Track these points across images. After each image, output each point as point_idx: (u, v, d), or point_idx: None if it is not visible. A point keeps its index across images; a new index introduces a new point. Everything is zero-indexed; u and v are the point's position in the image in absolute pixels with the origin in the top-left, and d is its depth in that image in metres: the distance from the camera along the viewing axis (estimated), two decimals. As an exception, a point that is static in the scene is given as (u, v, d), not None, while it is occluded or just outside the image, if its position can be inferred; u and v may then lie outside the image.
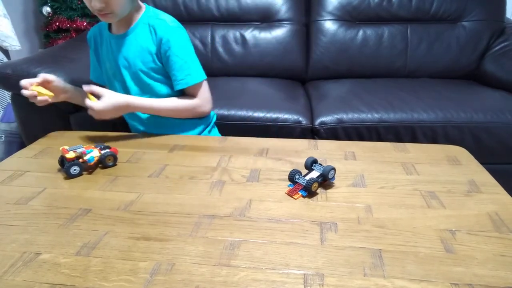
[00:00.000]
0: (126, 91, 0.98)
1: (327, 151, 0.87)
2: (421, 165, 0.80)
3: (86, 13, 2.10)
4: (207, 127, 1.07)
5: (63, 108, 1.26)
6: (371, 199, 0.68)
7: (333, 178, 0.72)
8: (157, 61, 0.95)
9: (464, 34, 1.61)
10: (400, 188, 0.72)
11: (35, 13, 2.26)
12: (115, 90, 0.97)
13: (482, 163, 0.81)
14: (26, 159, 0.84)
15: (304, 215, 0.63)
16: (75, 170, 0.75)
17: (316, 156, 0.78)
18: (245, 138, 0.97)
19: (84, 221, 0.61)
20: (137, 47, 0.94)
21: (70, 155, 0.75)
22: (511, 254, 0.54)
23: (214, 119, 1.11)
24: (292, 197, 0.68)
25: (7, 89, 1.39)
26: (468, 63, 1.62)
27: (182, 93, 0.98)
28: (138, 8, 0.95)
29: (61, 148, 0.77)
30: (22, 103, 1.32)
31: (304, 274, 0.50)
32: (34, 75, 1.23)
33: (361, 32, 1.64)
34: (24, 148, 0.91)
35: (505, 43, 1.58)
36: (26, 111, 1.33)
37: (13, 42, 1.87)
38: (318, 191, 0.70)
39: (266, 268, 0.51)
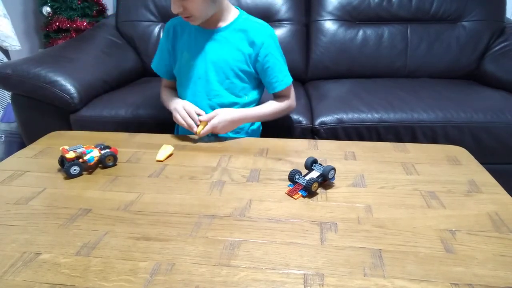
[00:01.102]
0: (208, 86, 0.99)
1: (327, 151, 0.87)
2: (421, 165, 0.80)
3: (86, 13, 2.10)
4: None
5: (63, 108, 1.26)
6: (371, 199, 0.68)
7: (333, 178, 0.72)
8: (249, 63, 0.99)
9: (464, 34, 1.61)
10: (400, 188, 0.72)
11: (35, 13, 2.26)
12: (192, 84, 1.01)
13: (482, 163, 0.81)
14: (26, 159, 0.84)
15: (304, 215, 0.63)
16: (75, 170, 0.75)
17: (316, 156, 0.78)
18: (245, 138, 0.97)
19: (84, 221, 0.61)
20: (230, 46, 0.98)
21: (70, 155, 0.75)
22: (511, 254, 0.54)
23: (261, 128, 1.15)
24: (292, 197, 0.68)
25: (7, 89, 1.39)
26: (468, 63, 1.61)
27: (258, 96, 1.06)
28: (230, 9, 0.99)
29: (61, 148, 0.77)
30: (22, 103, 1.32)
31: (304, 274, 0.50)
32: (34, 75, 1.24)
33: (361, 32, 1.63)
34: (24, 148, 0.91)
35: (505, 43, 1.58)
36: (26, 111, 1.33)
37: (13, 42, 1.87)
38: (318, 191, 0.70)
39: (266, 268, 0.51)
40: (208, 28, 0.98)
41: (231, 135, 1.00)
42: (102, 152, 0.79)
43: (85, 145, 0.79)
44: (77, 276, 0.50)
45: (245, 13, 1.01)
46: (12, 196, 0.69)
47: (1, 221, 0.62)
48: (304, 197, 0.68)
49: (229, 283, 0.49)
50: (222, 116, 0.94)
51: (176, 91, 1.08)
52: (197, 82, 1.00)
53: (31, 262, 0.52)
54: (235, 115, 0.96)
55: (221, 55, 0.98)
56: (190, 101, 1.01)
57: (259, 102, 1.07)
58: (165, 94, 1.08)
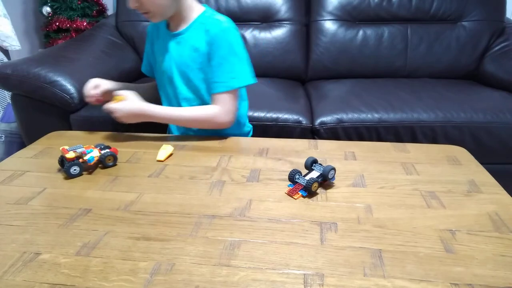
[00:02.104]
0: (175, 90, 0.98)
1: (327, 151, 0.87)
2: (421, 165, 0.80)
3: (86, 13, 2.10)
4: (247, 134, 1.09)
5: (63, 108, 1.26)
6: (371, 199, 0.68)
7: (333, 178, 0.72)
8: (206, 62, 0.93)
9: (464, 34, 1.61)
10: (400, 188, 0.72)
11: (35, 13, 2.26)
12: (164, 87, 1.01)
13: (482, 163, 0.81)
14: (26, 159, 0.84)
15: (304, 215, 0.63)
16: (75, 170, 0.75)
17: (316, 156, 0.78)
18: (245, 138, 0.97)
19: (84, 221, 0.61)
20: (190, 47, 0.93)
21: (70, 155, 0.75)
22: (511, 254, 0.54)
23: (251, 134, 1.12)
24: (292, 197, 0.68)
25: (7, 89, 1.39)
26: (468, 63, 1.62)
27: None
28: (194, 7, 0.93)
29: (61, 148, 0.77)
30: (22, 103, 1.32)
31: (304, 274, 0.50)
32: (34, 75, 1.24)
33: (361, 32, 1.64)
34: (24, 148, 0.91)
35: (505, 43, 1.58)
36: (26, 111, 1.33)
37: (13, 42, 1.87)
38: (318, 191, 0.70)
39: (266, 268, 0.51)
40: (173, 30, 0.95)
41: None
42: (102, 152, 0.79)
43: (85, 145, 0.79)
44: (77, 276, 0.50)
45: (210, 10, 0.95)
46: (12, 196, 0.69)
47: (1, 221, 0.62)
48: (304, 197, 0.68)
49: (229, 283, 0.49)
50: (126, 104, 0.89)
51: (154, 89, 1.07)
52: (167, 86, 1.00)
53: (31, 262, 0.52)
54: (136, 109, 0.89)
55: (182, 57, 0.94)
56: (165, 105, 1.02)
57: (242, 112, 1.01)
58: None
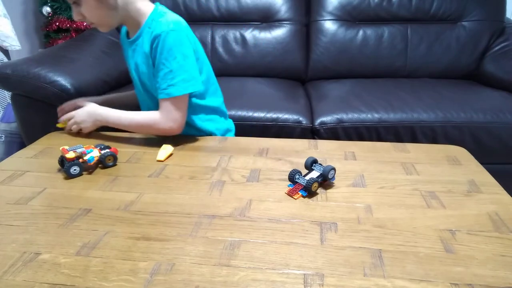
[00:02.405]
0: (142, 94, 0.99)
1: (327, 151, 0.87)
2: (421, 165, 0.80)
3: (86, 13, 2.10)
4: (225, 134, 1.06)
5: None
6: (371, 199, 0.68)
7: (333, 178, 0.72)
8: (149, 69, 0.90)
9: (464, 34, 1.61)
10: (400, 188, 0.72)
11: (35, 13, 2.26)
12: (138, 94, 1.01)
13: (482, 163, 0.81)
14: (26, 159, 0.84)
15: (304, 215, 0.63)
16: (75, 170, 0.75)
17: (316, 156, 0.78)
18: (245, 138, 0.97)
19: (84, 221, 0.61)
20: (143, 54, 0.90)
21: (70, 155, 0.75)
22: (511, 254, 0.54)
23: (233, 133, 1.08)
24: (292, 197, 0.68)
25: (7, 89, 1.39)
26: (468, 63, 1.62)
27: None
28: (142, 11, 0.88)
29: (61, 148, 0.77)
30: (22, 103, 1.32)
31: (304, 274, 0.50)
32: (34, 75, 1.24)
33: (361, 32, 1.64)
34: (24, 148, 0.91)
35: (505, 43, 1.58)
36: (26, 111, 1.33)
37: (13, 42, 1.87)
38: (318, 191, 0.70)
39: (266, 268, 0.51)
40: (130, 37, 0.93)
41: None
42: (102, 152, 0.79)
43: (85, 145, 0.79)
44: (77, 276, 0.50)
45: (158, 10, 0.89)
46: (12, 196, 0.69)
47: (1, 221, 0.62)
48: (304, 197, 0.68)
49: (229, 283, 0.49)
50: (83, 109, 0.93)
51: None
52: (138, 94, 1.02)
53: (31, 262, 0.52)
54: (91, 109, 0.93)
55: (138, 65, 0.92)
56: (143, 110, 1.01)
57: (207, 108, 0.98)
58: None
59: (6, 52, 1.90)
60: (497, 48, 1.59)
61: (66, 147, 0.77)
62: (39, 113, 1.30)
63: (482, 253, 0.54)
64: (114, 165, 0.80)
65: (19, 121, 1.37)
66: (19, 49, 1.91)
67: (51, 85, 1.22)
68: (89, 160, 0.76)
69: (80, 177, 0.76)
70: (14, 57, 1.85)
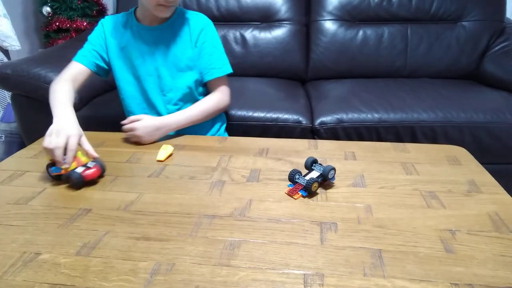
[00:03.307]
0: (156, 79, 1.00)
1: (327, 151, 0.87)
2: (421, 165, 0.80)
3: (86, 13, 2.10)
4: (223, 124, 1.12)
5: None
6: (371, 199, 0.68)
7: (333, 178, 0.72)
8: (194, 51, 0.99)
9: (464, 34, 1.61)
10: (400, 188, 0.72)
11: (35, 13, 2.26)
12: (136, 80, 1.00)
13: (482, 163, 0.81)
14: (26, 159, 0.84)
15: (304, 215, 0.63)
16: (56, 170, 0.71)
17: (316, 156, 0.78)
18: (245, 138, 0.97)
19: (84, 221, 0.61)
20: (177, 39, 0.98)
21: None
22: (511, 254, 0.54)
23: (224, 127, 1.13)
24: (292, 197, 0.68)
25: (7, 89, 1.39)
26: (468, 63, 1.62)
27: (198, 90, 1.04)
28: None
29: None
30: (22, 103, 1.32)
31: (304, 274, 0.50)
32: (34, 75, 1.24)
33: (361, 32, 1.64)
34: (24, 148, 0.91)
35: (505, 43, 1.58)
36: (26, 111, 1.33)
37: (13, 42, 1.87)
38: (318, 191, 0.70)
39: (266, 268, 0.51)
40: (151, 25, 0.98)
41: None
42: (71, 171, 0.70)
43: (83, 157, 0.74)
44: (77, 276, 0.50)
45: (179, 7, 1.01)
46: (12, 196, 0.69)
47: (1, 221, 0.62)
48: (304, 197, 0.68)
49: (229, 283, 0.49)
50: (145, 121, 0.90)
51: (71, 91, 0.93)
52: (148, 79, 1.00)
53: (31, 262, 0.52)
54: (157, 123, 0.92)
55: (170, 49, 0.98)
56: (142, 98, 1.02)
57: (206, 94, 1.04)
58: (59, 93, 0.88)
59: (6, 52, 1.90)
60: (497, 48, 1.59)
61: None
62: (39, 113, 1.29)
63: (482, 253, 0.54)
64: (77, 187, 0.70)
65: (19, 121, 1.37)
66: (19, 49, 1.91)
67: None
68: (55, 170, 0.71)
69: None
70: (14, 57, 1.85)
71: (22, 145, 1.42)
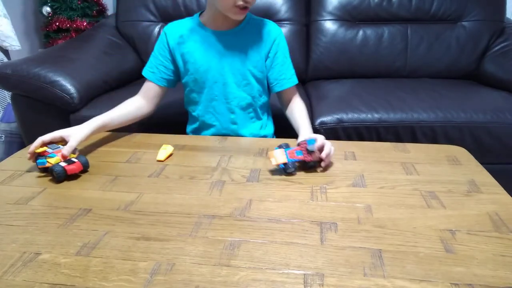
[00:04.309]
0: (221, 86, 0.98)
1: (327, 151, 0.87)
2: (421, 165, 0.80)
3: (86, 13, 2.10)
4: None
5: (63, 108, 1.26)
6: (371, 199, 0.68)
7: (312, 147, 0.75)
8: (265, 60, 0.98)
9: (464, 34, 1.61)
10: (400, 188, 0.72)
11: (35, 13, 2.26)
12: (202, 87, 0.98)
13: (482, 163, 0.81)
14: (26, 159, 0.84)
15: (304, 215, 0.63)
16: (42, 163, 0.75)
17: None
18: (245, 138, 0.97)
19: (84, 221, 0.61)
20: (246, 47, 0.96)
21: (42, 148, 0.76)
22: (511, 254, 0.54)
23: None
24: (271, 159, 0.74)
25: (7, 89, 1.39)
26: (468, 63, 1.62)
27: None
28: None
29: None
30: (22, 103, 1.32)
31: (304, 274, 0.50)
32: (34, 75, 1.24)
33: (361, 32, 1.64)
34: (24, 148, 0.91)
35: (505, 43, 1.58)
36: (26, 111, 1.33)
37: (13, 42, 1.87)
38: (318, 189, 0.70)
39: (266, 268, 0.51)
40: (220, 29, 0.96)
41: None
42: (55, 164, 0.73)
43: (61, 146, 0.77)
44: (77, 276, 0.50)
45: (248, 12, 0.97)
46: (12, 196, 0.69)
47: (1, 221, 0.62)
48: (278, 166, 0.75)
49: (229, 283, 0.49)
50: (326, 141, 0.80)
51: (120, 115, 0.95)
52: (213, 86, 0.98)
53: (31, 262, 0.52)
54: (318, 136, 0.82)
55: (237, 56, 0.96)
56: (206, 105, 1.00)
57: (265, 105, 1.06)
58: (111, 110, 0.94)
59: (6, 52, 1.91)
60: (497, 48, 1.59)
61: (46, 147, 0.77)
62: (39, 113, 1.30)
63: (482, 253, 0.54)
64: (58, 180, 0.73)
65: (19, 121, 1.37)
66: (19, 49, 1.91)
67: (51, 85, 1.22)
68: (40, 162, 0.75)
69: (80, 177, 0.76)
70: (14, 57, 1.85)
71: (22, 145, 1.42)
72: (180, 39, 0.97)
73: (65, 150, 0.76)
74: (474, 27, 1.61)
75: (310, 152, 0.76)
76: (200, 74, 0.98)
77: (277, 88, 1.01)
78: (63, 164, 0.73)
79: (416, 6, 1.63)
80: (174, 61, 0.99)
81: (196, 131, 1.05)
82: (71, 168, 0.73)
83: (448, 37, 1.61)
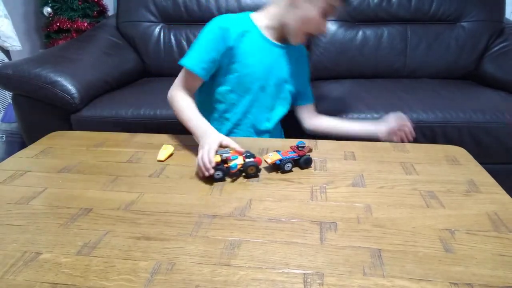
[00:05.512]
0: (264, 95, 0.98)
1: (327, 151, 0.88)
2: (420, 165, 0.81)
3: (87, 14, 2.11)
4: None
5: (64, 108, 1.26)
6: (370, 199, 0.68)
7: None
8: (299, 78, 1.04)
9: (463, 34, 1.62)
10: (400, 188, 0.72)
11: (36, 14, 2.26)
12: (246, 91, 0.96)
13: (481, 163, 0.82)
14: (27, 159, 0.85)
15: (304, 214, 0.63)
16: (218, 174, 0.73)
17: (316, 156, 0.78)
18: (245, 138, 0.97)
19: (85, 220, 0.62)
20: (294, 60, 1.00)
21: (216, 158, 0.74)
22: (510, 253, 0.54)
23: None
24: (268, 159, 0.76)
25: (8, 89, 1.39)
26: (467, 63, 1.62)
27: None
28: None
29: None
30: (23, 104, 1.32)
31: (304, 273, 0.50)
32: (35, 76, 1.24)
33: (360, 33, 1.64)
34: (25, 148, 0.91)
35: (504, 44, 1.58)
36: (27, 111, 1.33)
37: (14, 43, 1.87)
38: (318, 191, 0.70)
39: (266, 268, 0.51)
40: (275, 41, 0.97)
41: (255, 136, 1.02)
42: (246, 160, 0.75)
43: (232, 150, 0.77)
44: (77, 276, 0.50)
45: None
46: (13, 196, 0.69)
47: (2, 221, 0.62)
48: (275, 164, 0.76)
49: (229, 283, 0.49)
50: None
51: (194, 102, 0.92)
52: (258, 93, 0.97)
53: (32, 262, 0.52)
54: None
55: (285, 71, 1.00)
56: (245, 111, 0.98)
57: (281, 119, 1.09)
58: (189, 110, 0.89)
59: (7, 52, 1.91)
60: (496, 48, 1.59)
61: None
62: (40, 113, 1.30)
63: (481, 253, 0.54)
64: (256, 176, 0.76)
65: (20, 121, 1.37)
66: (20, 50, 1.92)
67: (51, 85, 1.23)
68: (231, 167, 0.74)
69: (81, 177, 0.76)
70: (15, 58, 1.85)
71: (23, 145, 1.43)
72: (238, 37, 0.92)
73: (238, 147, 0.78)
74: (473, 28, 1.61)
75: (300, 149, 0.78)
76: (248, 78, 0.95)
77: (301, 103, 1.08)
78: (248, 160, 0.76)
79: (415, 6, 1.63)
80: (220, 56, 0.92)
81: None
82: (258, 160, 0.77)
83: (448, 37, 1.61)
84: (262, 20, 0.97)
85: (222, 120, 1.01)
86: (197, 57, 0.92)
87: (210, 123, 0.89)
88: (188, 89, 0.94)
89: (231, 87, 0.97)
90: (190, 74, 0.92)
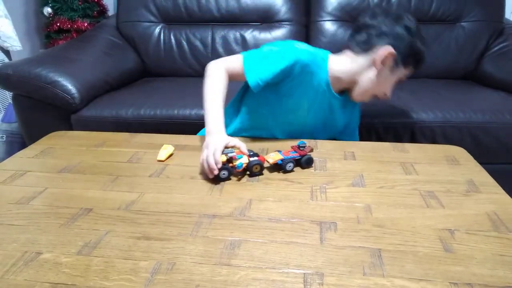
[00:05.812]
0: (295, 128, 0.95)
1: (327, 151, 0.88)
2: (420, 165, 0.81)
3: (87, 14, 2.11)
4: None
5: (64, 108, 1.26)
6: (370, 199, 0.68)
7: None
8: (351, 125, 1.06)
9: (463, 34, 1.62)
10: (399, 188, 0.72)
11: (36, 14, 2.26)
12: (280, 120, 0.94)
13: (480, 163, 0.82)
14: (27, 159, 0.85)
15: (303, 214, 0.63)
16: (224, 174, 0.73)
17: (316, 156, 0.78)
18: (245, 138, 0.97)
19: (85, 220, 0.62)
20: (350, 110, 1.01)
21: (222, 158, 0.74)
22: (509, 253, 0.54)
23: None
24: (269, 159, 0.76)
25: (8, 89, 1.40)
26: (467, 63, 1.62)
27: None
28: None
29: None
30: (23, 104, 1.32)
31: (304, 273, 0.51)
32: (35, 76, 1.24)
33: (360, 33, 1.64)
34: (25, 148, 0.91)
35: (504, 44, 1.58)
36: (27, 111, 1.33)
37: (14, 43, 1.87)
38: (318, 191, 0.71)
39: (266, 268, 0.51)
40: (337, 91, 0.94)
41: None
42: (251, 159, 0.75)
43: (237, 150, 0.77)
44: (78, 276, 0.50)
45: None
46: (13, 196, 0.69)
47: (2, 221, 0.62)
48: (277, 163, 0.76)
49: (229, 282, 0.49)
50: None
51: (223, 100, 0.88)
52: (290, 126, 0.95)
53: (32, 262, 0.52)
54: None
55: (343, 118, 1.00)
56: (262, 128, 0.94)
57: None
58: (213, 100, 0.85)
59: (7, 52, 1.91)
60: (496, 48, 1.59)
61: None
62: (40, 113, 1.30)
63: (481, 253, 0.54)
64: (260, 174, 0.76)
65: (20, 121, 1.37)
66: (20, 50, 1.92)
67: (52, 85, 1.23)
68: (238, 166, 0.74)
69: (81, 177, 0.76)
70: (15, 58, 1.85)
71: (23, 145, 1.43)
72: (302, 70, 0.88)
73: (244, 148, 0.78)
74: (473, 28, 1.61)
75: (301, 149, 0.78)
76: (290, 111, 0.93)
77: (348, 139, 1.03)
78: (252, 159, 0.76)
79: (415, 6, 1.63)
80: (278, 81, 0.88)
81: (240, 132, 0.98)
82: (261, 159, 0.77)
83: (447, 37, 1.61)
84: (336, 68, 0.92)
85: (235, 120, 0.98)
86: (261, 72, 0.87)
87: (226, 110, 0.87)
88: (231, 75, 0.89)
89: (266, 111, 0.94)
90: (243, 76, 0.88)
